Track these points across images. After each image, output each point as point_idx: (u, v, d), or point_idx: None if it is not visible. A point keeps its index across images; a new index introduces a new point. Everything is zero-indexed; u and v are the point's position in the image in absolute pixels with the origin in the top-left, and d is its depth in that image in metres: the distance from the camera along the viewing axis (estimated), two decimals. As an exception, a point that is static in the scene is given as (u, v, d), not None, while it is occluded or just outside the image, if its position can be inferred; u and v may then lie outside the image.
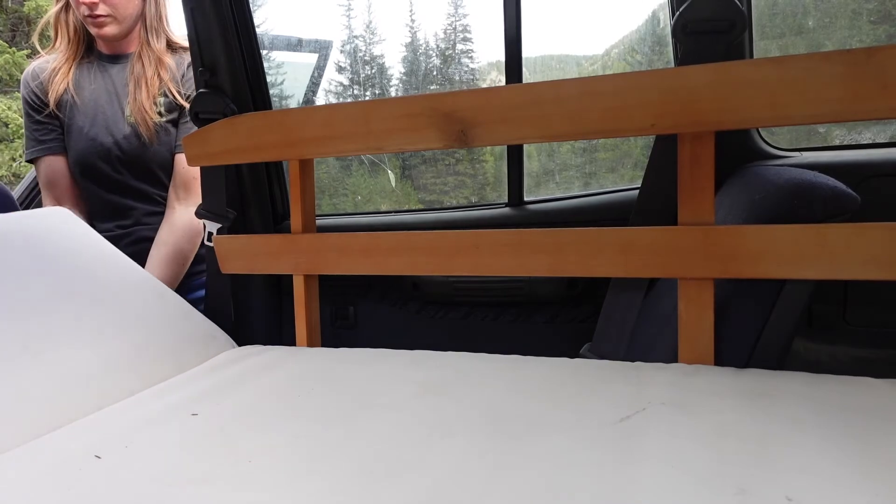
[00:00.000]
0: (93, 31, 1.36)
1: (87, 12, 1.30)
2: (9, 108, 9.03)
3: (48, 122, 1.41)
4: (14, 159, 9.01)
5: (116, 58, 1.42)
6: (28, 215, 1.03)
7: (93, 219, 1.46)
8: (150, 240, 1.40)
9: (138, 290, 1.00)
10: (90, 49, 1.44)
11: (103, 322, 0.89)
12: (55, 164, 1.41)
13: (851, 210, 0.74)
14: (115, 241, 1.40)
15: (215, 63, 1.25)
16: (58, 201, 1.43)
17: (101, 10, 1.31)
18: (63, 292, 0.90)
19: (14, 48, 9.66)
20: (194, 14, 1.23)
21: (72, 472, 0.56)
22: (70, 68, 1.41)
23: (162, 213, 1.41)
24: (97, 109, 1.40)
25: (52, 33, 1.45)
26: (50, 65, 1.42)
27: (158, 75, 1.37)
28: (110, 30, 1.35)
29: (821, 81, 0.70)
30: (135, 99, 1.36)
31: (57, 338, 0.82)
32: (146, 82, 1.37)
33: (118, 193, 1.41)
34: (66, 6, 1.39)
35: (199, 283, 1.40)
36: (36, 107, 1.42)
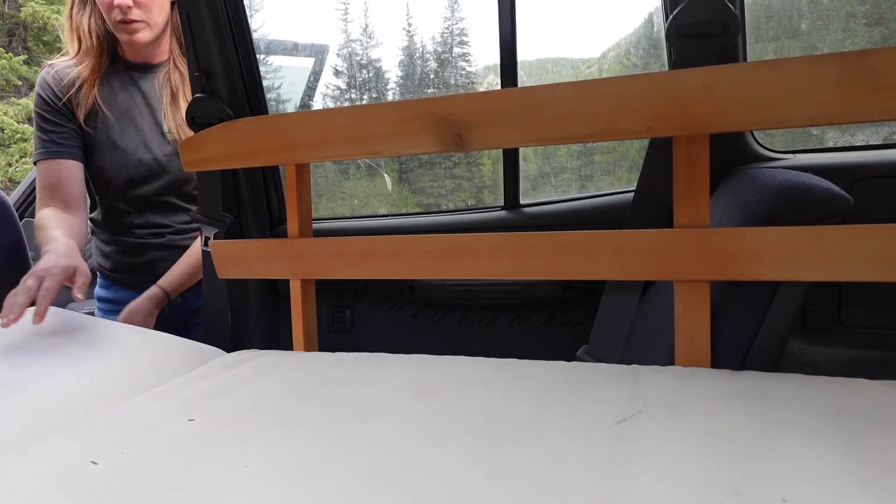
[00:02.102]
0: (123, 37, 1.28)
1: (119, 17, 1.23)
2: (5, 114, 9.02)
3: (66, 127, 1.33)
4: (10, 164, 8.99)
5: (145, 67, 1.36)
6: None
7: (105, 227, 1.43)
8: (183, 248, 1.39)
9: (118, 330, 1.04)
10: (115, 57, 1.36)
11: (86, 355, 0.92)
12: (70, 169, 1.33)
13: (845, 211, 0.74)
14: (144, 247, 1.40)
15: (211, 67, 1.25)
16: (66, 204, 1.31)
17: (136, 14, 1.24)
18: (43, 348, 0.93)
19: (10, 53, 9.65)
20: (190, 18, 1.23)
21: (68, 478, 0.56)
22: (96, 79, 1.33)
23: (191, 226, 1.40)
24: (131, 124, 1.35)
25: (66, 39, 1.35)
26: (72, 71, 1.33)
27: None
28: (143, 35, 1.28)
29: (814, 84, 0.71)
30: (174, 115, 1.31)
31: (36, 370, 0.85)
32: (183, 96, 1.32)
33: (154, 210, 1.39)
34: (83, 8, 1.30)
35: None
36: (54, 108, 1.33)
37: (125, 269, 1.43)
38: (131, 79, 1.36)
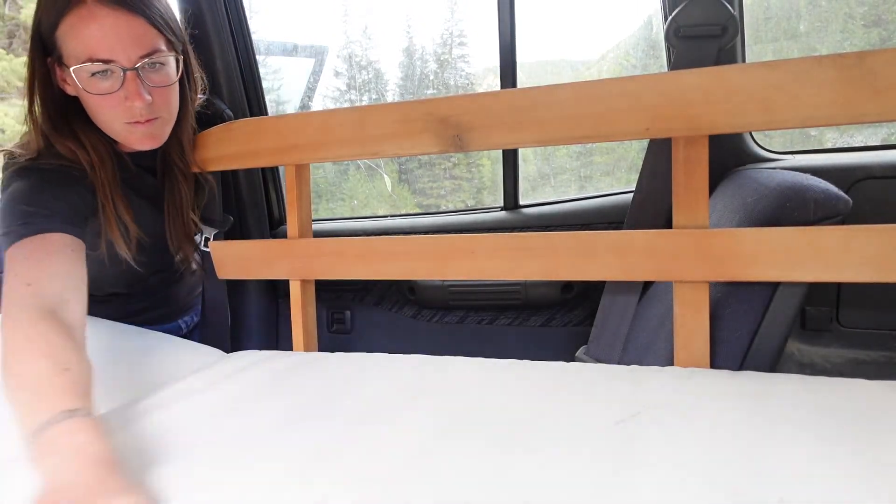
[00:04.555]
0: (132, 140, 0.90)
1: (130, 119, 0.86)
2: (6, 115, 9.00)
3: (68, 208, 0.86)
4: (10, 165, 8.95)
5: (144, 156, 0.98)
6: None
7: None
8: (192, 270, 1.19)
9: (117, 331, 1.02)
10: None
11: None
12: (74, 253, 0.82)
13: (843, 212, 0.75)
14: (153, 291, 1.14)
15: (211, 68, 1.25)
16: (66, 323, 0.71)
17: (154, 111, 0.88)
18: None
19: (11, 55, 9.65)
20: (189, 19, 1.23)
21: (67, 478, 0.56)
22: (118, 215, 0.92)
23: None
24: (149, 240, 1.01)
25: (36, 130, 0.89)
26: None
27: (192, 191, 1.05)
28: (163, 134, 0.93)
29: (813, 85, 0.71)
30: (172, 233, 1.03)
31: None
32: (182, 207, 1.03)
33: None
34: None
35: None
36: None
37: (125, 316, 1.11)
38: (140, 179, 1.00)
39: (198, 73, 1.02)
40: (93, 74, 0.83)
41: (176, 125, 0.98)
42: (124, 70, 0.83)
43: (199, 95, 1.05)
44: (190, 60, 0.98)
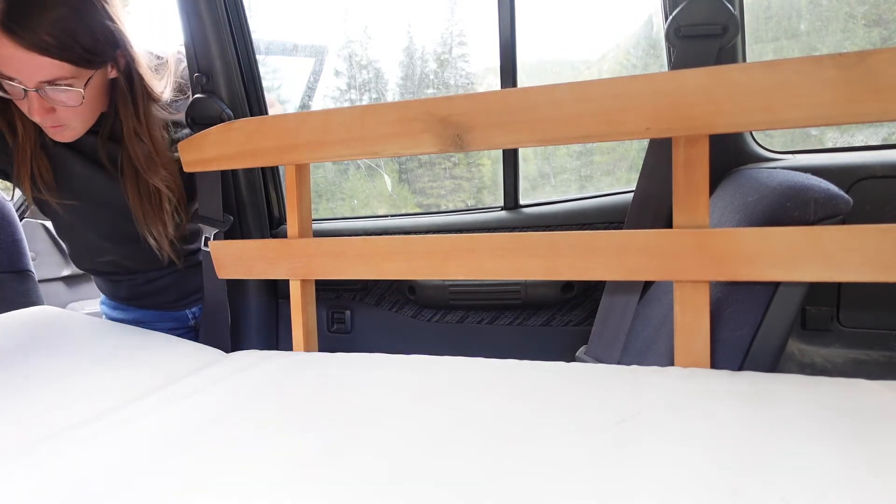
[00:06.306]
0: (54, 138, 1.01)
1: (39, 121, 0.95)
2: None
3: None
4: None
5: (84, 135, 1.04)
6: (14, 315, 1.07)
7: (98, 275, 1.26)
8: (195, 266, 1.26)
9: (118, 331, 1.02)
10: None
11: (87, 357, 0.92)
12: None
13: (844, 212, 0.75)
14: (151, 281, 1.24)
15: (211, 68, 1.25)
16: None
17: (61, 119, 0.96)
18: (44, 349, 0.93)
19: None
20: (189, 19, 1.23)
21: (71, 480, 0.56)
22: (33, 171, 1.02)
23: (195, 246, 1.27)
24: (95, 214, 1.12)
25: None
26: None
27: (167, 188, 1.10)
28: (70, 136, 1.00)
29: (813, 85, 0.71)
30: (144, 222, 1.10)
31: (37, 371, 0.85)
32: (150, 195, 1.09)
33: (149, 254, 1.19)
34: None
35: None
36: None
37: (136, 297, 1.27)
38: (77, 151, 1.07)
39: (152, 79, 1.06)
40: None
41: (115, 122, 1.04)
42: (25, 90, 0.89)
43: (162, 93, 1.10)
44: (135, 66, 1.02)
